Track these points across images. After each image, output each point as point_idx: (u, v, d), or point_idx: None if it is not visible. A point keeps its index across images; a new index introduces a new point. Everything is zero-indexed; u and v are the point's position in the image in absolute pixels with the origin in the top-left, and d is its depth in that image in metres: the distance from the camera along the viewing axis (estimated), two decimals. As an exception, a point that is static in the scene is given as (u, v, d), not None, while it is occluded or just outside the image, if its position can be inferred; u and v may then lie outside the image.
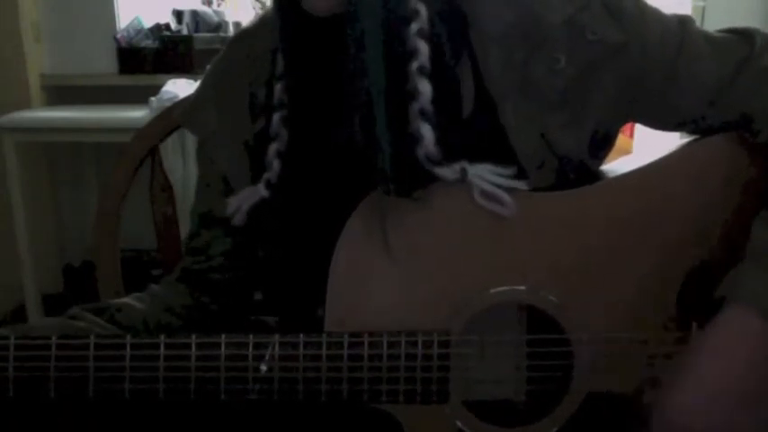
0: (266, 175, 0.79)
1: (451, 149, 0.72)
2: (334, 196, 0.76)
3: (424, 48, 0.70)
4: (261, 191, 0.79)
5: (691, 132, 0.80)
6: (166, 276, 0.93)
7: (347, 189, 0.74)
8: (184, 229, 0.99)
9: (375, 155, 0.70)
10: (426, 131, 0.70)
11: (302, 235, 0.78)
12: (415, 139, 0.70)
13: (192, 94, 0.90)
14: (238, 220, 0.80)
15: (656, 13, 0.77)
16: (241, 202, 0.80)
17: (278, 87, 0.79)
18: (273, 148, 0.79)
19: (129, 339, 0.71)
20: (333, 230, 0.73)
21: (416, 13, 0.70)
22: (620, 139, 0.82)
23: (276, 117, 0.79)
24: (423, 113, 0.70)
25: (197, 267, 0.89)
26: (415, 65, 0.70)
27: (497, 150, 0.74)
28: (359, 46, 0.68)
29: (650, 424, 0.69)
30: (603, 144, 0.80)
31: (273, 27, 0.78)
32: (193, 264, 0.90)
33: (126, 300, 0.86)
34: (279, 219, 0.79)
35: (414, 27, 0.70)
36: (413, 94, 0.70)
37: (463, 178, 0.71)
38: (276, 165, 0.78)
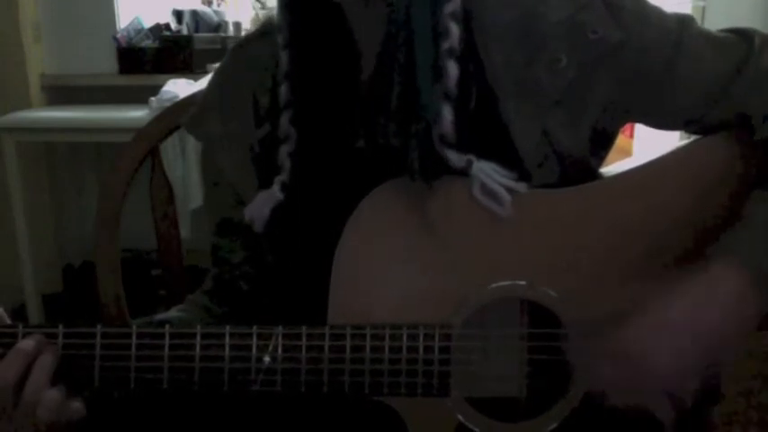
0: (279, 178, 0.78)
1: (462, 140, 0.72)
2: (349, 195, 0.76)
3: (455, 29, 0.71)
4: (276, 194, 0.78)
5: (690, 132, 0.80)
6: (201, 286, 0.93)
7: (361, 187, 0.74)
8: (184, 229, 0.99)
9: (409, 134, 0.70)
10: (447, 112, 0.70)
11: (319, 236, 0.78)
12: (434, 118, 0.70)
13: (197, 100, 0.90)
14: (258, 227, 0.80)
15: (656, 12, 0.77)
16: (260, 209, 0.79)
17: (283, 88, 0.78)
18: (284, 149, 0.78)
19: (134, 329, 0.72)
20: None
21: None
22: (621, 140, 0.82)
23: (284, 118, 0.78)
24: (446, 94, 0.70)
25: (226, 277, 0.90)
26: (445, 45, 0.70)
27: (500, 147, 0.74)
28: (405, 17, 0.69)
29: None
30: (603, 142, 0.80)
31: (278, 23, 0.78)
32: (222, 274, 0.90)
33: (173, 313, 0.87)
34: (296, 220, 0.79)
35: (448, 7, 0.71)
36: (439, 73, 0.70)
37: (468, 168, 0.72)
38: (288, 166, 0.78)
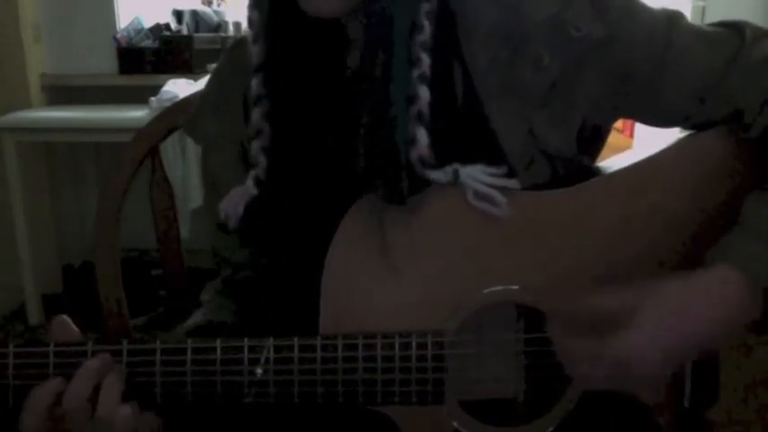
0: (253, 172, 0.78)
1: (445, 153, 0.72)
2: (325, 190, 0.76)
3: (425, 59, 0.71)
4: (251, 189, 0.78)
5: (685, 128, 0.80)
6: (211, 284, 0.93)
7: (338, 181, 0.74)
8: (185, 228, 0.98)
9: (375, 158, 0.71)
10: (421, 135, 0.71)
11: (296, 232, 0.78)
12: (410, 141, 0.71)
13: (194, 102, 0.90)
14: (233, 222, 0.80)
15: (644, 9, 0.76)
16: (235, 204, 0.79)
17: (256, 81, 0.77)
18: (257, 144, 0.78)
19: (125, 345, 0.71)
20: (327, 225, 0.73)
21: (422, 26, 0.72)
22: (621, 140, 0.82)
23: (257, 112, 0.78)
24: (420, 117, 0.71)
25: (237, 277, 0.89)
26: (416, 72, 0.71)
27: (487, 150, 0.74)
28: (385, 48, 0.70)
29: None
30: (594, 140, 0.79)
31: (249, 17, 0.78)
32: (228, 273, 0.90)
33: (198, 318, 0.86)
34: (271, 216, 0.78)
35: (418, 38, 0.71)
36: (412, 99, 0.71)
37: (455, 180, 0.72)
38: (262, 161, 0.78)
